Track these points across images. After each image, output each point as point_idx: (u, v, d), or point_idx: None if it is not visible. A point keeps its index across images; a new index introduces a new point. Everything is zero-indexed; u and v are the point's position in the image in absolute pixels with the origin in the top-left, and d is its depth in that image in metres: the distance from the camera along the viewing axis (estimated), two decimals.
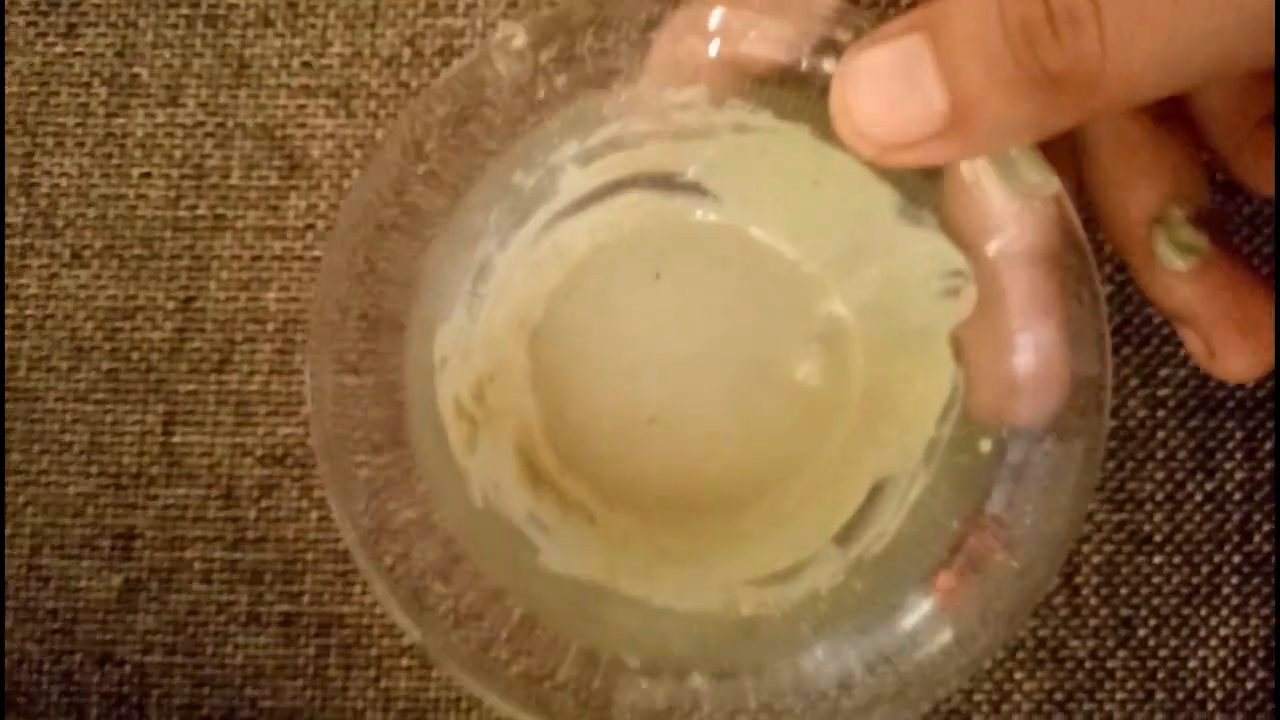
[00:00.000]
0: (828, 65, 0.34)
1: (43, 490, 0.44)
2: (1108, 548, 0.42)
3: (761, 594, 0.38)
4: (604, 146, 0.38)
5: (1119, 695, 0.42)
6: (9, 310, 0.44)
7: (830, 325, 0.40)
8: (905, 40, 0.30)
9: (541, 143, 0.37)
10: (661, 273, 0.40)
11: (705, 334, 0.40)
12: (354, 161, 0.44)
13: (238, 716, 0.43)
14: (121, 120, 0.45)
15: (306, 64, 0.45)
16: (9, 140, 0.45)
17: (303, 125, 0.45)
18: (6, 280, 0.44)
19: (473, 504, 0.38)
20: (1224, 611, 0.42)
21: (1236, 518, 0.42)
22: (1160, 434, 0.43)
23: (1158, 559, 0.42)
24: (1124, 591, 0.42)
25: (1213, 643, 0.42)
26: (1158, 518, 0.42)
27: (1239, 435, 0.43)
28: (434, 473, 0.36)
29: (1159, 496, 0.43)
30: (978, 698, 0.42)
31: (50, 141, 0.45)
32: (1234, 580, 0.42)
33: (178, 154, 0.45)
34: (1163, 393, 0.43)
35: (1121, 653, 0.42)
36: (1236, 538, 0.42)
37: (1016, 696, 0.42)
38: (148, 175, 0.45)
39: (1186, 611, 0.42)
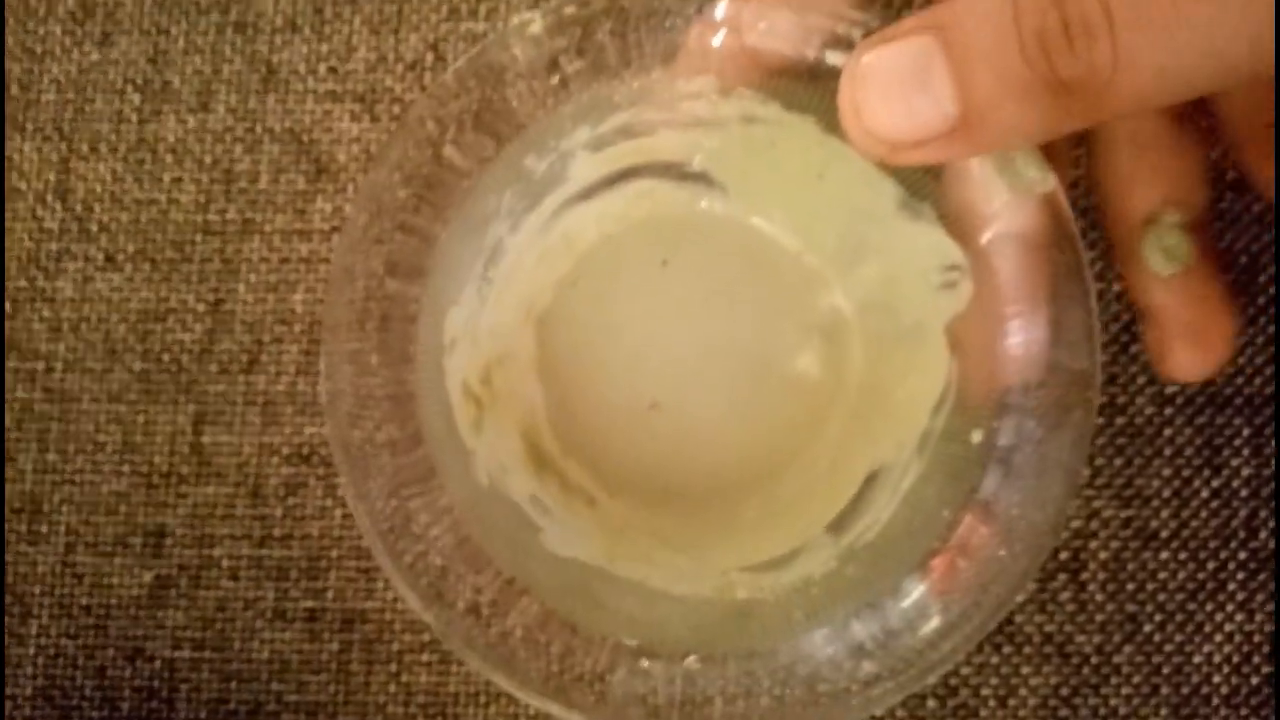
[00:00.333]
0: (836, 59, 0.34)
1: (77, 489, 0.45)
2: (1114, 543, 0.43)
3: (756, 579, 0.38)
4: (615, 134, 0.38)
5: (1124, 690, 0.42)
6: (45, 314, 0.45)
7: (830, 317, 0.40)
8: (915, 41, 0.30)
9: (554, 128, 0.37)
10: (668, 261, 0.41)
11: (708, 323, 0.41)
12: None
13: (263, 711, 0.44)
14: (154, 126, 0.46)
15: (333, 69, 0.45)
16: (45, 146, 0.46)
17: (329, 130, 0.45)
18: (43, 284, 0.45)
19: (478, 483, 0.38)
20: (1229, 607, 0.42)
21: (1243, 514, 0.42)
22: (1167, 430, 0.43)
23: (1164, 555, 0.42)
24: (1130, 587, 0.42)
25: (1218, 638, 0.42)
26: (1164, 514, 0.43)
27: (1246, 432, 0.43)
28: (441, 451, 0.37)
29: (1166, 493, 0.43)
30: (984, 692, 0.42)
31: (85, 147, 0.46)
32: (1240, 576, 0.42)
33: (208, 159, 0.45)
34: (1170, 389, 0.43)
35: (1127, 648, 0.42)
36: (1243, 534, 0.42)
37: (1023, 691, 0.42)
38: (179, 180, 0.45)
39: (1192, 607, 0.42)
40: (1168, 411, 0.43)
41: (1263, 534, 0.42)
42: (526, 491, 0.39)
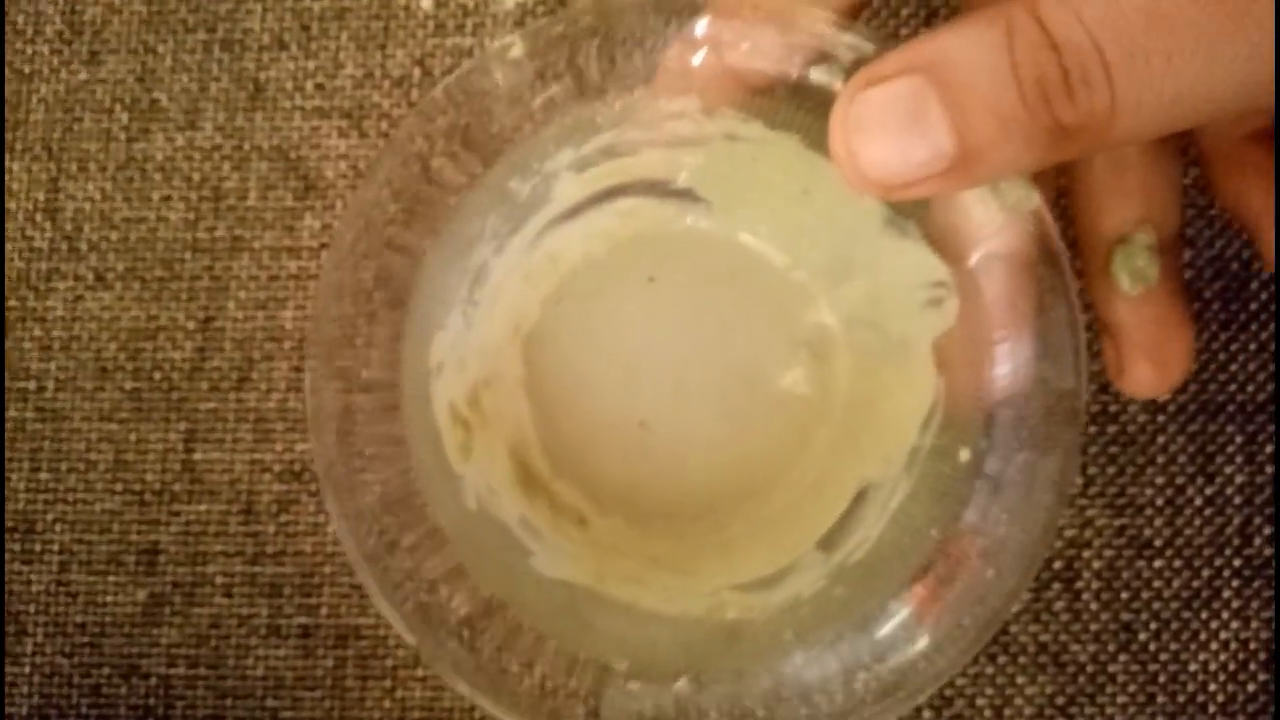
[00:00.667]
0: (819, 76, 0.34)
1: (70, 508, 0.45)
2: (1108, 552, 0.42)
3: (747, 599, 0.38)
4: (598, 154, 0.38)
5: (1120, 699, 0.42)
6: (36, 333, 0.45)
7: (817, 333, 0.40)
8: (906, 82, 0.30)
9: (537, 150, 0.37)
10: (654, 278, 0.41)
11: (695, 340, 0.41)
12: None
13: None
14: (142, 144, 0.46)
15: (320, 86, 0.45)
16: (35, 166, 0.46)
17: (316, 146, 0.45)
18: (34, 304, 0.45)
19: (466, 507, 0.38)
20: (1224, 615, 0.42)
21: (1237, 522, 0.42)
22: (1160, 439, 0.43)
23: (1158, 563, 0.42)
24: (1125, 596, 0.42)
25: (1213, 646, 0.42)
26: (1158, 522, 0.43)
27: (1239, 440, 0.43)
28: (429, 476, 0.37)
29: (1159, 501, 0.43)
30: (980, 702, 0.42)
31: (74, 166, 0.46)
32: (1234, 584, 0.42)
33: (196, 177, 0.45)
34: (1162, 397, 0.43)
35: (1123, 657, 0.42)
36: (1237, 541, 0.42)
37: (1018, 701, 0.42)
38: (168, 198, 0.45)
39: (1187, 615, 0.42)
40: (1160, 419, 0.43)
41: (1257, 541, 0.42)
42: (516, 513, 0.39)
